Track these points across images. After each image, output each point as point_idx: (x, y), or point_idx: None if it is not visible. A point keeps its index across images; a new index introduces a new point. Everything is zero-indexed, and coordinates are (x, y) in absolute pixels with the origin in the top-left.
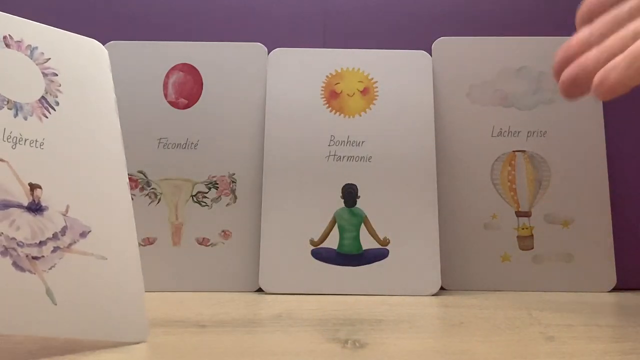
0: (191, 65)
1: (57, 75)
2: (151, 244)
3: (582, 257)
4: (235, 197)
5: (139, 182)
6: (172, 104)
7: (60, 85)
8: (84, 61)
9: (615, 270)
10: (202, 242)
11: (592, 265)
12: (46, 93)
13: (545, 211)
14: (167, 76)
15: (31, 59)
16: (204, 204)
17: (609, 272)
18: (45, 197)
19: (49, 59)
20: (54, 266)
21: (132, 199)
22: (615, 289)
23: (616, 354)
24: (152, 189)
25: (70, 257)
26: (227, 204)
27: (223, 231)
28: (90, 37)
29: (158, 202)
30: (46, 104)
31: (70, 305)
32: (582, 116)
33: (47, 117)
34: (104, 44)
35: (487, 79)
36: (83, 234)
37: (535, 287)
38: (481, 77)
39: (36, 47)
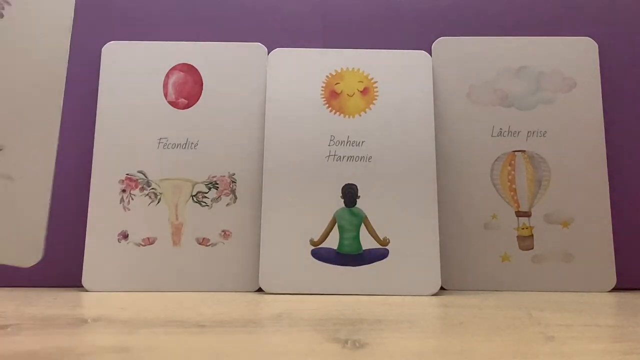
0: (191, 65)
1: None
2: (151, 244)
3: (582, 257)
4: (235, 197)
5: (139, 182)
6: (172, 104)
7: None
8: None
9: (615, 270)
10: (202, 242)
11: (592, 265)
12: None
13: (545, 211)
14: (167, 76)
15: None
16: (204, 204)
17: (609, 272)
18: None
19: None
20: None
21: (132, 199)
22: (615, 289)
23: (616, 354)
24: (152, 189)
25: None
26: (227, 204)
27: (223, 231)
28: (89, 37)
29: (158, 202)
30: None
31: None
32: (582, 116)
33: None
34: (104, 44)
35: (487, 79)
36: None
37: (535, 287)
38: (481, 77)
39: None
